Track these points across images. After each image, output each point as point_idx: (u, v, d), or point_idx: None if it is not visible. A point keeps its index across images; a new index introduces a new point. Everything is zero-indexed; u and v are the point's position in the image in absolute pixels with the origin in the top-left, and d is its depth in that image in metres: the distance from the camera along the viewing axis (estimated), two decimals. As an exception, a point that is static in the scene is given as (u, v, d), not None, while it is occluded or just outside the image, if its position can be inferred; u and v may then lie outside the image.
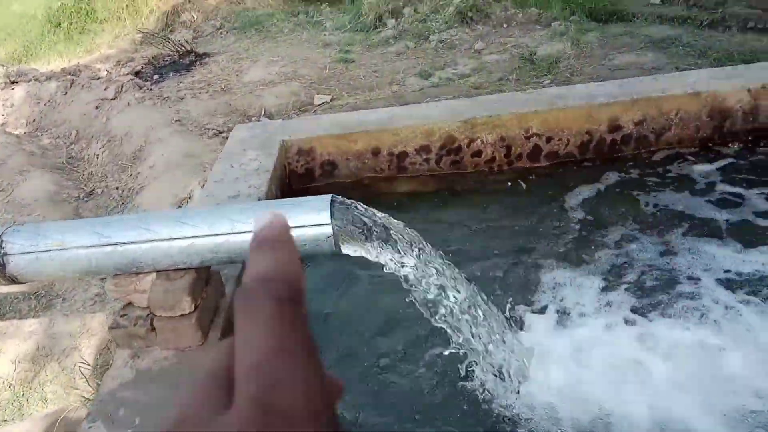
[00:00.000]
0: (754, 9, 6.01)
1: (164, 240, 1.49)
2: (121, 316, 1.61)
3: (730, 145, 2.76)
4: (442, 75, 5.20)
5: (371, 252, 1.55)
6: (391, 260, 1.54)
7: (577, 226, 2.35)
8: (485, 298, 1.65)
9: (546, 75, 4.94)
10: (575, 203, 2.49)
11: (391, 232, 1.56)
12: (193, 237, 1.48)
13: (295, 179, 2.76)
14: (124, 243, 1.51)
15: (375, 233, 1.54)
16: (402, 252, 1.54)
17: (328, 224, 1.48)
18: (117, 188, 4.07)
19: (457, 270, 1.62)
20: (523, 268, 2.16)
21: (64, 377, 2.46)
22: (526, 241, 2.30)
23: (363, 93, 4.97)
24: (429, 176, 2.78)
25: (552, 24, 6.03)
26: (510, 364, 1.65)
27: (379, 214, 1.57)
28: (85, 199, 4.09)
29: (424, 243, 1.58)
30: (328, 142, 2.72)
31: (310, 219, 1.47)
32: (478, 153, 2.77)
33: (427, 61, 5.56)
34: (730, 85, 2.72)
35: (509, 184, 2.67)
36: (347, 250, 1.56)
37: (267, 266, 0.33)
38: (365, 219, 1.54)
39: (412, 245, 1.57)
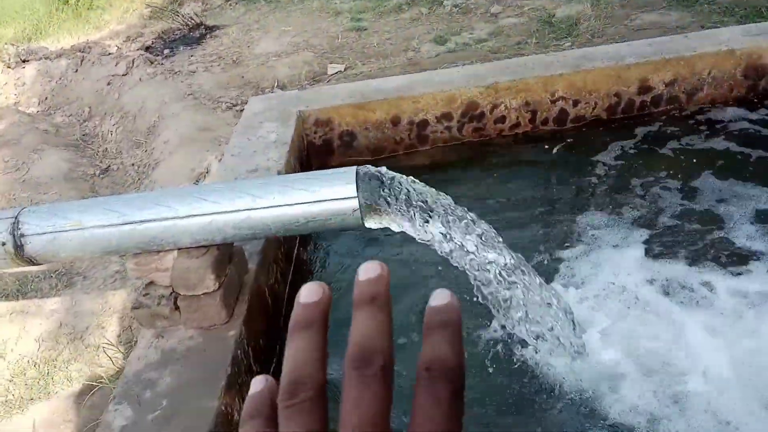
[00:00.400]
0: (781, -37, 5.78)
1: (184, 217, 1.43)
2: (143, 296, 1.57)
3: (766, 103, 2.64)
4: (458, 40, 5.07)
5: (403, 224, 1.48)
6: (426, 232, 1.46)
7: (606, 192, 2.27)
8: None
9: (566, 38, 4.79)
10: (606, 163, 2.40)
11: (426, 200, 1.48)
12: (213, 213, 1.42)
13: (313, 151, 2.69)
14: (143, 221, 1.46)
15: (406, 203, 1.47)
16: (444, 224, 1.47)
17: (354, 197, 1.41)
18: (132, 164, 4.02)
19: (495, 234, 1.54)
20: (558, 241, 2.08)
21: (88, 355, 2.44)
22: (556, 215, 2.22)
23: (377, 61, 4.85)
24: (451, 146, 2.70)
25: (570, -16, 5.83)
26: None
27: (409, 182, 1.49)
28: (101, 176, 4.05)
29: (462, 210, 1.50)
30: (346, 112, 2.64)
31: (336, 192, 1.41)
32: (501, 119, 2.68)
33: (442, 27, 5.41)
34: (765, 41, 2.60)
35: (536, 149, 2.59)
36: (373, 223, 1.49)
37: (446, 352, 0.33)
38: (395, 188, 1.47)
39: (447, 213, 1.49)
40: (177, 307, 1.53)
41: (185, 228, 1.44)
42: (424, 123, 2.68)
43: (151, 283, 1.58)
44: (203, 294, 1.50)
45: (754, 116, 2.55)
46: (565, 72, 2.61)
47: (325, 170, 1.51)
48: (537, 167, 2.51)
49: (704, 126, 2.55)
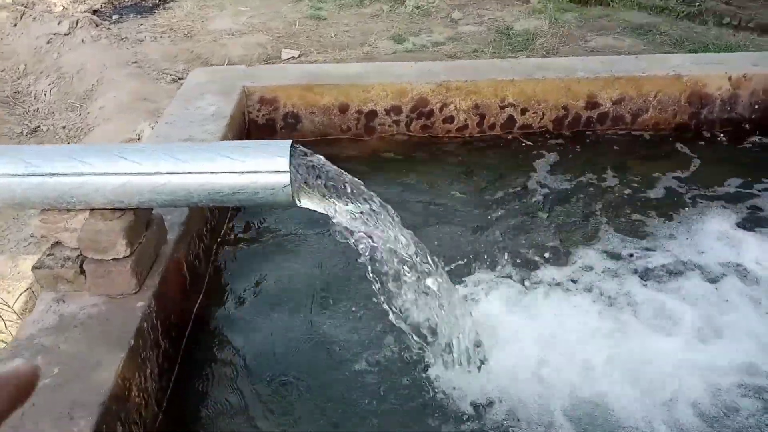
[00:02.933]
0: (730, 5, 6.01)
1: (99, 174, 1.32)
2: (47, 256, 1.44)
3: (704, 133, 2.70)
4: (416, 41, 5.04)
5: (332, 209, 1.42)
6: (351, 220, 1.41)
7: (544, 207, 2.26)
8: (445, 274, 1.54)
9: (522, 51, 4.83)
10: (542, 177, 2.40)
11: (355, 193, 1.42)
12: (131, 174, 1.32)
13: (254, 130, 2.59)
14: (54, 174, 1.34)
15: (338, 190, 1.41)
16: (366, 216, 1.42)
17: (286, 172, 1.33)
18: (64, 127, 3.81)
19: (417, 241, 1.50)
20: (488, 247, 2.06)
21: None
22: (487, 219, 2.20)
23: (333, 52, 4.78)
24: (399, 140, 2.65)
25: (531, 0, 5.90)
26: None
27: (347, 176, 1.43)
28: (29, 135, 3.82)
29: (388, 209, 1.45)
30: (293, 92, 2.56)
31: (266, 164, 1.33)
32: (450, 119, 2.64)
33: (402, 26, 5.39)
34: (712, 71, 2.65)
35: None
36: (306, 203, 1.42)
37: None
38: (329, 174, 1.41)
39: (374, 209, 1.44)
40: (83, 271, 1.41)
41: (99, 186, 1.33)
42: (372, 114, 2.62)
43: (58, 243, 1.46)
44: (113, 260, 1.39)
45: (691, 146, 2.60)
46: (517, 79, 2.60)
47: (259, 140, 1.43)
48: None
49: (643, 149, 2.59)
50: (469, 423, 1.43)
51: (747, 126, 2.70)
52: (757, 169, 2.44)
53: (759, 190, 2.32)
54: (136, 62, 4.42)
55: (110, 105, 3.71)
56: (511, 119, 2.67)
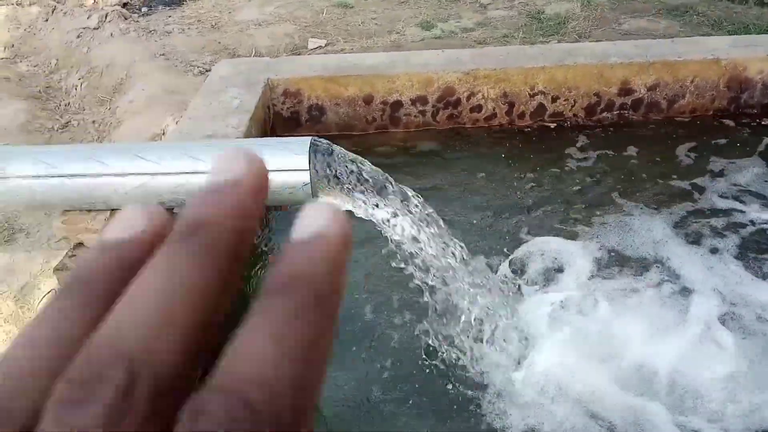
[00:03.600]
0: (772, -17, 5.77)
1: (118, 175, 1.31)
2: (69, 257, 1.44)
3: (744, 118, 2.59)
4: (444, 27, 4.96)
5: (356, 205, 1.39)
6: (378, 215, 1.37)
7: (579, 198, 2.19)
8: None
9: (553, 35, 4.71)
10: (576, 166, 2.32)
11: (382, 185, 1.38)
12: (150, 174, 1.31)
13: (279, 123, 2.57)
14: (73, 175, 1.33)
15: (361, 185, 1.37)
16: (392, 208, 1.38)
17: (306, 170, 1.30)
18: (93, 122, 3.85)
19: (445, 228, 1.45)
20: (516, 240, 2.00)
21: (19, 317, 2.30)
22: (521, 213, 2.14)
23: (360, 40, 4.73)
24: (423, 130, 2.60)
25: (563, -18, 5.75)
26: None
27: (368, 165, 1.40)
28: (60, 130, 3.87)
29: (417, 199, 1.41)
30: (317, 84, 2.52)
31: (285, 162, 1.30)
32: (478, 108, 2.58)
33: (430, 12, 5.30)
34: (752, 53, 2.53)
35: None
36: (329, 200, 1.39)
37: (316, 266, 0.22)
38: (351, 168, 1.37)
39: (403, 202, 1.40)
40: (104, 273, 1.40)
41: (117, 187, 1.32)
42: (397, 104, 2.57)
43: (80, 244, 1.45)
44: (133, 260, 1.38)
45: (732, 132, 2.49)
46: (548, 65, 2.52)
47: (278, 138, 1.40)
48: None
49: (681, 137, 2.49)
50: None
51: (790, 111, 2.59)
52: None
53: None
54: (163, 54, 4.44)
55: (139, 98, 3.73)
56: (541, 107, 2.59)
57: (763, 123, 2.55)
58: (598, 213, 2.08)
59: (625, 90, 2.56)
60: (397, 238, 1.36)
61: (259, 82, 2.47)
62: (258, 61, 2.91)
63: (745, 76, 2.53)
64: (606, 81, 2.54)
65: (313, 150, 1.33)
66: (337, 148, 1.38)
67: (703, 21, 4.81)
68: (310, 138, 1.34)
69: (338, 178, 1.34)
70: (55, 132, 3.83)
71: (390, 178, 1.39)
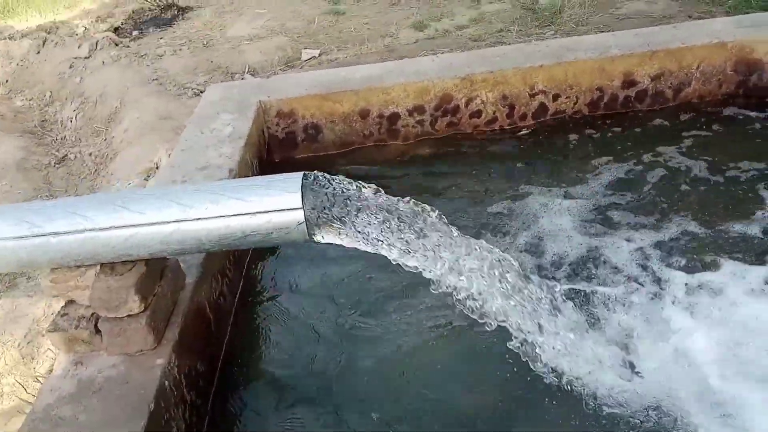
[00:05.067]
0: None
1: (103, 229, 1.24)
2: (61, 317, 1.38)
3: (754, 101, 2.49)
4: (438, 26, 4.87)
5: (357, 240, 1.30)
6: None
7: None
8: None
9: (549, 25, 4.61)
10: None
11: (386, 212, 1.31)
12: (136, 225, 1.24)
13: (275, 145, 2.50)
14: (57, 233, 1.26)
15: (360, 215, 1.29)
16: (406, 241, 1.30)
17: (299, 208, 1.23)
18: (90, 154, 3.80)
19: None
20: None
21: (24, 367, 2.25)
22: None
23: (354, 47, 4.64)
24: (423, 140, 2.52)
25: (555, -30, 5.64)
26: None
27: (375, 194, 1.32)
28: (57, 166, 3.82)
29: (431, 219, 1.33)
30: (310, 103, 2.45)
31: (277, 202, 1.23)
32: (477, 113, 2.50)
33: (423, 12, 5.21)
34: (758, 34, 2.44)
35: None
36: (330, 239, 1.31)
37: None
38: (348, 196, 1.29)
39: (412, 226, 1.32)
40: (98, 331, 1.34)
41: (104, 242, 1.25)
42: (394, 116, 2.49)
43: (72, 301, 1.39)
44: (127, 316, 1.31)
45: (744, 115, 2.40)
46: (546, 63, 2.44)
47: (267, 176, 1.33)
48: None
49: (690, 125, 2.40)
50: None
51: (803, 89, 2.49)
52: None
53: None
54: (156, 79, 4.37)
55: (133, 127, 3.67)
56: (542, 107, 2.51)
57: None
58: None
59: (629, 82, 2.47)
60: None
61: (251, 105, 2.41)
62: (248, 84, 2.84)
63: (752, 57, 2.44)
64: (608, 75, 2.45)
65: (306, 186, 1.25)
66: (336, 180, 1.31)
67: (702, -2, 4.69)
68: (301, 174, 1.26)
69: (338, 215, 1.26)
70: (51, 168, 3.78)
71: (403, 202, 1.31)
